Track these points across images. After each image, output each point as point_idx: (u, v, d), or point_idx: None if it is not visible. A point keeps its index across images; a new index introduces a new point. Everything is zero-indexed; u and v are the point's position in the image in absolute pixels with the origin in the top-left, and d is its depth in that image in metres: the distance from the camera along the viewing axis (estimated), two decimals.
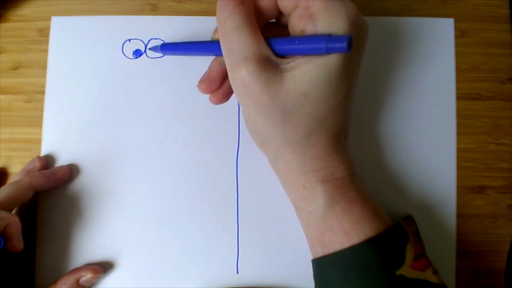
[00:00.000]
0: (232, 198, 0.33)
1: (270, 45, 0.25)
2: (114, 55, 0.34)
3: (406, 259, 0.25)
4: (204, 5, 0.35)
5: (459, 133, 0.33)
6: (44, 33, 0.34)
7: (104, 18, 0.34)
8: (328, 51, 0.23)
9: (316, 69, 0.24)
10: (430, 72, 0.34)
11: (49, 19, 0.34)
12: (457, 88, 0.34)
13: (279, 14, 0.27)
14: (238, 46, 0.24)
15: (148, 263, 0.32)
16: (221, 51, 0.26)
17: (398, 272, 0.25)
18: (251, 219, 0.32)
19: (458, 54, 0.34)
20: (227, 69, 0.26)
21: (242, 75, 0.24)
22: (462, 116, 0.33)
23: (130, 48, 0.34)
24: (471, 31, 0.34)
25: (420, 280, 0.25)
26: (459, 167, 0.33)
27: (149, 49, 0.34)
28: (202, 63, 0.34)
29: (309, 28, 0.24)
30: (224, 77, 0.29)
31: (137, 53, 0.34)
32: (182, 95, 0.34)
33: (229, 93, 0.29)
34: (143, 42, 0.34)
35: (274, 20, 0.28)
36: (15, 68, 0.35)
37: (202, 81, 0.29)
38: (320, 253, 0.27)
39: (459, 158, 0.33)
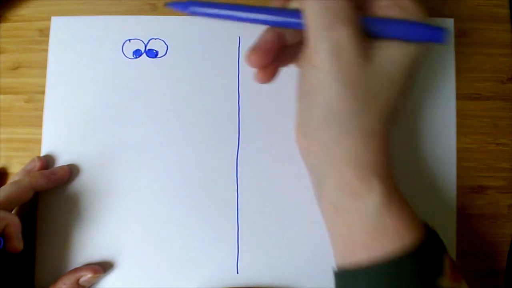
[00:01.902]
0: (232, 198, 0.33)
1: (365, 23, 0.24)
2: (114, 55, 0.34)
3: (444, 269, 0.23)
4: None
5: (459, 133, 0.33)
6: (44, 33, 0.34)
7: (104, 18, 0.34)
8: (428, 40, 0.23)
9: (405, 56, 0.24)
10: (430, 72, 0.34)
11: (49, 19, 0.34)
12: (457, 88, 0.34)
13: None
14: (341, 6, 0.23)
15: (148, 263, 0.32)
16: (286, 21, 0.24)
17: (438, 283, 0.23)
18: (251, 219, 0.32)
19: (458, 54, 0.34)
20: (313, 29, 0.23)
21: (339, 36, 0.22)
22: (462, 116, 0.33)
23: (130, 48, 0.34)
24: (471, 31, 0.34)
25: None
26: (459, 167, 0.33)
27: (168, 4, 0.26)
28: (202, 63, 0.34)
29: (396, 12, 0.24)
30: (279, 51, 0.25)
31: (137, 53, 0.34)
32: (182, 95, 0.34)
33: (277, 72, 0.26)
34: (143, 42, 0.34)
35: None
36: (15, 68, 0.35)
37: (254, 50, 0.24)
38: (364, 259, 0.23)
39: (459, 158, 0.33)
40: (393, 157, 0.33)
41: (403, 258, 0.23)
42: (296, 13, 0.24)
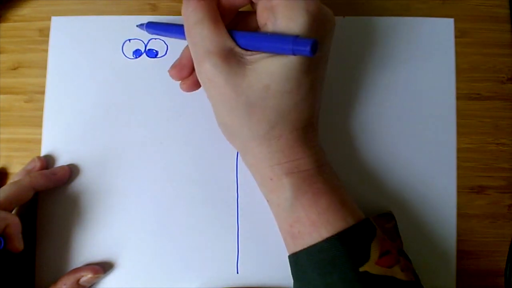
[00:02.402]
0: (232, 198, 0.33)
1: (235, 38, 0.25)
2: (114, 55, 0.34)
3: (371, 255, 0.25)
4: None
5: (459, 133, 0.33)
6: (44, 33, 0.34)
7: (104, 18, 0.34)
8: (294, 53, 0.23)
9: (277, 64, 0.24)
10: (430, 72, 0.34)
11: (49, 19, 0.34)
12: (457, 88, 0.34)
13: (251, 1, 0.27)
14: (201, 40, 0.25)
15: (148, 263, 0.32)
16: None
17: (362, 269, 0.25)
18: (251, 219, 0.32)
19: (458, 54, 0.34)
20: (194, 62, 0.27)
21: (205, 69, 0.25)
22: (462, 116, 0.33)
23: (130, 48, 0.34)
24: (471, 31, 0.34)
25: (386, 277, 0.25)
26: (459, 167, 0.33)
27: (137, 26, 0.33)
28: None
29: (270, 22, 0.25)
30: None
31: (137, 53, 0.34)
32: (182, 95, 0.33)
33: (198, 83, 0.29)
34: (143, 42, 0.34)
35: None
36: (15, 68, 0.35)
37: (173, 67, 0.29)
38: (291, 245, 0.27)
39: (459, 158, 0.33)
40: (394, 157, 0.33)
41: (329, 242, 0.25)
42: None
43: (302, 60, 0.24)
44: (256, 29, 0.28)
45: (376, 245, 0.26)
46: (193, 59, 0.26)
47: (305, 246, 0.26)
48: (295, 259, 0.27)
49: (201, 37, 0.25)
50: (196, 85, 0.29)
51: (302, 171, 0.27)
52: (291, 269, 0.28)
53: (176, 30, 0.29)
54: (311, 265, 0.26)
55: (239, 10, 0.28)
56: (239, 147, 0.28)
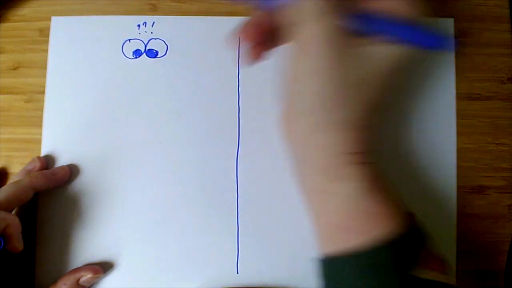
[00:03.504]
0: (232, 198, 0.33)
1: (359, 19, 0.23)
2: (114, 55, 0.34)
3: (423, 260, 0.24)
4: (205, 5, 0.35)
5: (459, 133, 0.33)
6: (44, 33, 0.34)
7: (104, 18, 0.34)
8: (431, 47, 0.22)
9: (395, 55, 0.23)
10: (430, 72, 0.34)
11: (49, 19, 0.34)
12: (457, 88, 0.34)
13: None
14: None
15: (148, 263, 0.32)
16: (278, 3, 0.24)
17: (411, 273, 0.23)
18: (251, 219, 0.32)
19: (458, 54, 0.34)
20: (306, 14, 0.24)
21: (332, 24, 0.23)
22: (462, 116, 0.33)
23: (130, 48, 0.34)
24: (471, 31, 0.34)
25: (433, 281, 0.24)
26: (459, 167, 0.33)
27: None
28: (202, 63, 0.34)
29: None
30: (272, 30, 0.26)
31: (137, 53, 0.34)
32: (182, 95, 0.34)
33: (268, 51, 0.27)
34: (143, 42, 0.34)
35: None
36: (15, 68, 0.35)
37: (247, 25, 0.26)
38: (345, 246, 0.24)
39: (459, 158, 0.33)
40: (394, 157, 0.33)
41: (381, 247, 0.23)
42: None
43: (407, 55, 0.23)
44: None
45: (426, 250, 0.25)
46: (308, 11, 0.23)
47: (357, 246, 0.23)
48: (333, 260, 0.25)
49: None
50: (264, 53, 0.27)
51: (372, 163, 0.25)
52: (322, 270, 0.25)
53: None
54: (353, 268, 0.24)
55: None
56: (308, 126, 0.25)
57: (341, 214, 0.24)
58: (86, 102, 0.34)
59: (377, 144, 0.33)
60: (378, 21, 0.23)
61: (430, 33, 0.22)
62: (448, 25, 0.34)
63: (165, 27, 0.34)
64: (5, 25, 0.35)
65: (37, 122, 0.34)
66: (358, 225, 0.24)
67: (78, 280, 0.31)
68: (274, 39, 0.26)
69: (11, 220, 0.28)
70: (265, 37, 0.26)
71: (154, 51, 0.34)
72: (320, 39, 0.23)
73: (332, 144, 0.24)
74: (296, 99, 0.25)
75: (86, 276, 0.31)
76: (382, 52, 0.23)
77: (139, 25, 0.34)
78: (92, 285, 0.32)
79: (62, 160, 0.33)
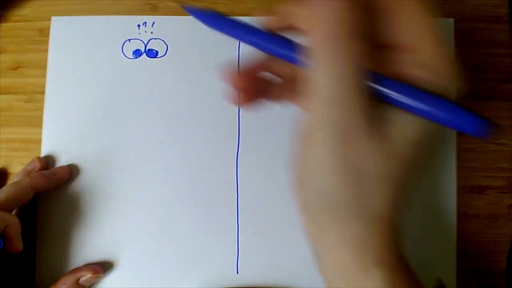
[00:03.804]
0: (232, 198, 0.33)
1: (381, 83, 0.18)
2: (114, 55, 0.34)
3: None
4: (205, 5, 0.35)
5: (459, 133, 0.33)
6: (44, 33, 0.34)
7: (104, 18, 0.34)
8: (462, 128, 0.18)
9: (422, 133, 0.19)
10: None
11: (49, 19, 0.34)
12: None
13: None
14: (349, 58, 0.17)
15: (148, 263, 0.32)
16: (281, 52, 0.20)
17: None
18: (251, 219, 0.32)
19: (458, 54, 0.34)
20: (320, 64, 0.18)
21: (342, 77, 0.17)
22: None
23: (130, 48, 0.34)
24: (471, 31, 0.34)
25: None
26: (459, 167, 0.33)
27: (185, 8, 0.23)
28: (202, 63, 0.34)
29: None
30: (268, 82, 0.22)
31: (137, 53, 0.34)
32: (182, 95, 0.34)
33: (258, 101, 0.22)
34: (143, 42, 0.34)
35: None
36: (15, 68, 0.35)
37: (236, 72, 0.22)
38: None
39: (459, 158, 0.33)
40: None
41: None
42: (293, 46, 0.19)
43: (433, 130, 0.19)
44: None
45: None
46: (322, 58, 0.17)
47: None
48: None
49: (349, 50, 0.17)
50: (254, 101, 0.22)
51: (396, 263, 0.20)
52: None
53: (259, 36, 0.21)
54: None
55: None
56: (325, 221, 0.20)
57: None
58: (86, 102, 0.34)
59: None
60: (405, 90, 0.18)
61: (465, 116, 0.18)
62: (448, 25, 0.34)
63: (165, 27, 0.34)
64: (5, 25, 0.35)
65: (37, 122, 0.34)
66: None
67: (78, 280, 0.31)
68: (272, 92, 0.23)
69: (11, 221, 0.28)
70: (259, 87, 0.22)
71: (154, 51, 0.34)
72: (331, 101, 0.18)
73: (348, 240, 0.20)
74: (309, 193, 0.21)
75: (86, 276, 0.31)
76: (408, 130, 0.19)
77: (139, 25, 0.34)
78: (92, 285, 0.32)
79: (62, 160, 0.33)
